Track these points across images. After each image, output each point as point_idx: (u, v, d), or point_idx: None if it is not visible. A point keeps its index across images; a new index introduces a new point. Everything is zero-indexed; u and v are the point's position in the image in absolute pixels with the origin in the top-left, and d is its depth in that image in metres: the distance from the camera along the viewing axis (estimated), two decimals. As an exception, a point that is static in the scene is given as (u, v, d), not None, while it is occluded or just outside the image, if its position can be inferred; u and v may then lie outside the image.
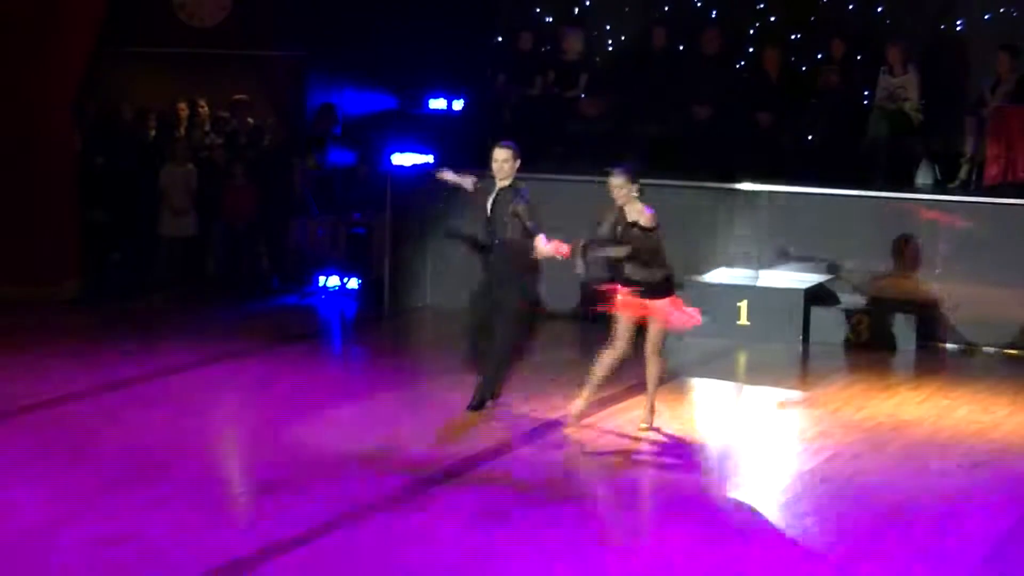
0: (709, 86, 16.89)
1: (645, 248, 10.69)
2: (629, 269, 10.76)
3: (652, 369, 10.89)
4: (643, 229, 10.69)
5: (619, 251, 10.71)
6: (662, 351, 10.91)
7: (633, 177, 10.73)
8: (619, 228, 10.74)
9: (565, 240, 10.68)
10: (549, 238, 10.66)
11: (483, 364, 11.17)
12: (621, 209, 10.74)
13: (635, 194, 10.71)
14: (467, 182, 11.52)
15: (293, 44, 18.76)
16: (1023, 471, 10.33)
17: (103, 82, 17.80)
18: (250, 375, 12.73)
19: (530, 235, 10.80)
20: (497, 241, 11.06)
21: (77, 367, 12.71)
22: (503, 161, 11.01)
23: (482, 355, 11.19)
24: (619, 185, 10.71)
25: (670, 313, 10.77)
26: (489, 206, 11.08)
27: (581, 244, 10.66)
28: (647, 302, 10.74)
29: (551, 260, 10.81)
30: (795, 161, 16.23)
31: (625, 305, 10.82)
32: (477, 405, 11.11)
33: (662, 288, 10.78)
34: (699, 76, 17.01)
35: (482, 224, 11.24)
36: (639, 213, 10.70)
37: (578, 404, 11.00)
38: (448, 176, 11.66)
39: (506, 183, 11.03)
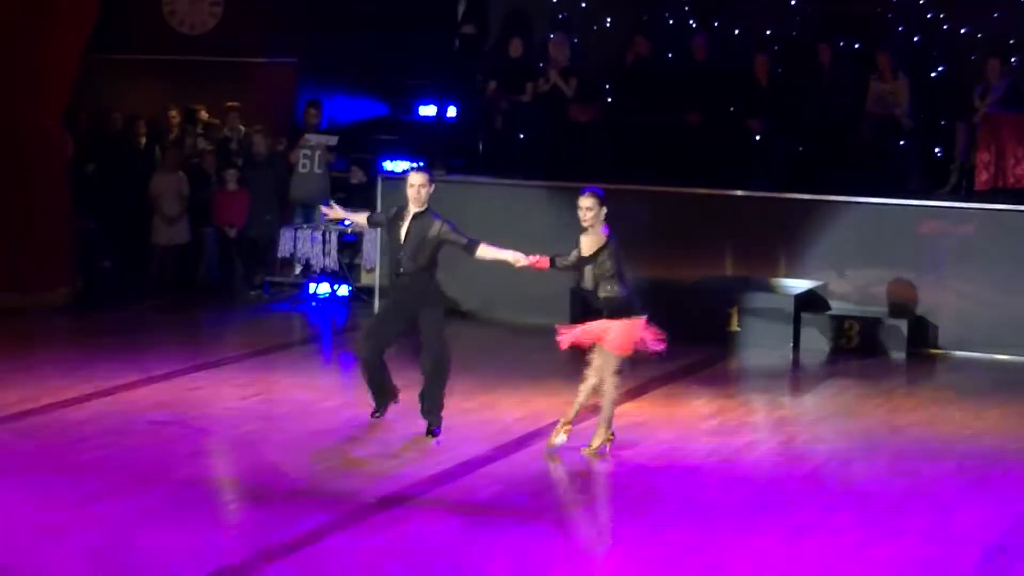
0: (700, 93, 16.91)
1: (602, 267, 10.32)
2: (594, 289, 10.38)
3: (605, 393, 10.45)
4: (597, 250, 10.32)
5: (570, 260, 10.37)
6: (617, 373, 10.44)
7: (603, 200, 10.37)
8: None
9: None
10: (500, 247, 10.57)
11: (425, 391, 10.86)
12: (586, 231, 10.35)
13: (602, 218, 10.32)
14: (359, 217, 11.53)
15: (284, 51, 18.78)
16: (1016, 476, 10.34)
17: (94, 89, 17.79)
18: (241, 382, 12.70)
19: (467, 250, 10.63)
20: (407, 269, 10.69)
21: (68, 374, 12.67)
22: (420, 187, 10.70)
23: (382, 386, 10.95)
24: (589, 207, 10.34)
25: (621, 336, 10.36)
26: (403, 234, 10.72)
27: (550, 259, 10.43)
28: (601, 324, 10.40)
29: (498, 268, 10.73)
30: (785, 167, 16.25)
31: (580, 336, 10.49)
32: (434, 431, 10.82)
33: (620, 309, 10.39)
34: (689, 83, 17.04)
35: (395, 252, 10.78)
36: (596, 234, 10.33)
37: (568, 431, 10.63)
38: (337, 213, 11.50)
39: (421, 209, 10.74)
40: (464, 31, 18.21)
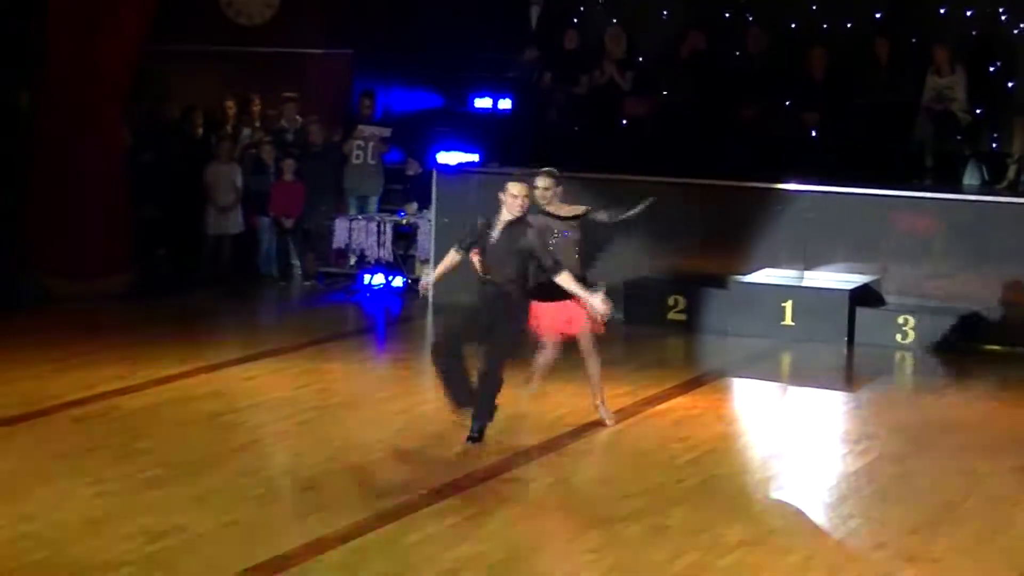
0: (755, 87, 16.87)
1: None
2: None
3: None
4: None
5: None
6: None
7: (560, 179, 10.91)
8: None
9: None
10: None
11: (476, 393, 10.37)
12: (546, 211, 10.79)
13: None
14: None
15: (340, 42, 18.86)
16: (1071, 474, 10.27)
17: (152, 79, 17.91)
18: (295, 372, 12.77)
19: (549, 271, 10.23)
20: (497, 277, 10.27)
21: (125, 362, 12.79)
22: (523, 197, 10.26)
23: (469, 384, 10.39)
24: (548, 186, 10.77)
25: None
26: (495, 240, 10.25)
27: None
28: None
29: None
30: (841, 161, 16.20)
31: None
32: (478, 437, 10.37)
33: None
34: (745, 77, 17.01)
35: (489, 257, 10.31)
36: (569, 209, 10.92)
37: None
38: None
39: (516, 217, 10.28)
40: (527, 57, 18.20)
